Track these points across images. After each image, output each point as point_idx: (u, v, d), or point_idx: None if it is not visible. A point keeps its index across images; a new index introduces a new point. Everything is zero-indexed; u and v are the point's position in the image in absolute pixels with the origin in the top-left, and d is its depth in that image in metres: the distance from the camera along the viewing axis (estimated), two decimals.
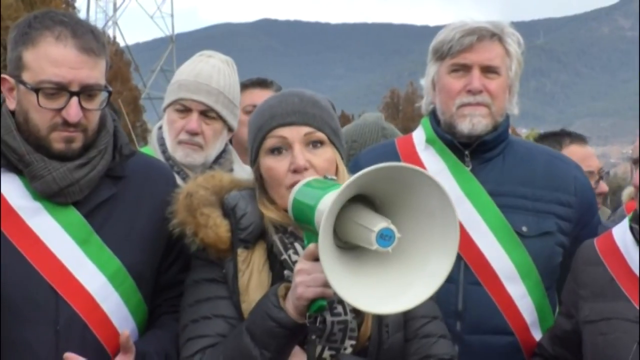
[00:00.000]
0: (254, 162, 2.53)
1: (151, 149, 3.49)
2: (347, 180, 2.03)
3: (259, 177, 2.52)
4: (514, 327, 3.07)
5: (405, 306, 2.13)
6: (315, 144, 2.46)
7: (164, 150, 3.42)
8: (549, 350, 3.03)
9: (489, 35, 3.09)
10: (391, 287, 2.14)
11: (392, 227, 2.05)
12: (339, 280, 2.05)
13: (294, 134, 2.44)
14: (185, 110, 3.37)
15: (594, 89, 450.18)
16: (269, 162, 2.46)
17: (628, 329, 2.73)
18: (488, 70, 3.10)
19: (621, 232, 2.91)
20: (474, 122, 3.08)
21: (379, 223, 2.05)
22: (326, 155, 2.47)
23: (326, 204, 2.09)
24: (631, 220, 2.88)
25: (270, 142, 2.46)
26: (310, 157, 2.43)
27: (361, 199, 2.19)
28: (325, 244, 2.04)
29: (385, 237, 2.04)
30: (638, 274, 2.77)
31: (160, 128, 3.52)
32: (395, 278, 2.15)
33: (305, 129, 2.45)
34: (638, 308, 2.73)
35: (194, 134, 3.34)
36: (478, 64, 3.08)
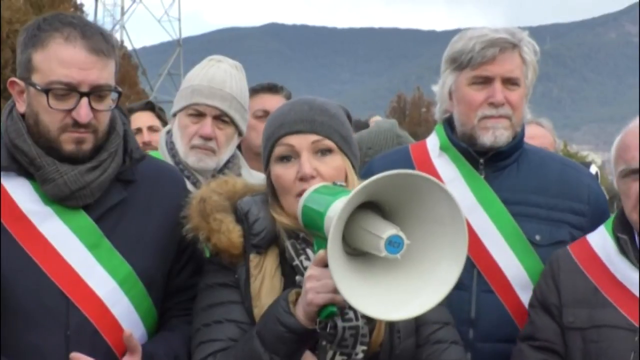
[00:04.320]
0: (266, 168, 2.54)
1: (159, 154, 3.47)
2: (356, 187, 2.03)
3: (271, 183, 2.53)
4: None
5: (413, 313, 2.13)
6: (324, 152, 2.47)
7: (174, 155, 3.41)
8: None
9: (511, 46, 3.07)
10: (400, 294, 2.14)
11: (401, 233, 2.05)
12: (348, 287, 2.05)
13: (302, 142, 2.45)
14: (198, 115, 3.35)
15: (600, 94, 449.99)
16: (277, 170, 2.48)
17: (621, 336, 2.74)
18: (509, 81, 3.09)
19: (600, 241, 2.92)
20: (496, 135, 3.08)
21: (388, 230, 2.05)
22: (334, 164, 2.47)
23: (335, 211, 2.09)
24: (614, 230, 2.88)
25: (279, 150, 2.48)
26: (317, 165, 2.44)
27: (371, 206, 2.18)
28: (334, 250, 2.04)
29: (394, 243, 2.04)
30: (637, 294, 2.76)
31: (168, 132, 3.51)
32: (404, 285, 2.15)
33: (313, 137, 2.46)
34: (636, 322, 2.73)
35: (207, 138, 3.33)
36: (500, 75, 3.07)
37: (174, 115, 3.47)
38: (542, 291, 2.93)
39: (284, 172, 2.46)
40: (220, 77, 3.37)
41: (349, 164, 2.52)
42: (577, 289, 2.85)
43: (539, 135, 4.81)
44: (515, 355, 2.92)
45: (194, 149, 3.34)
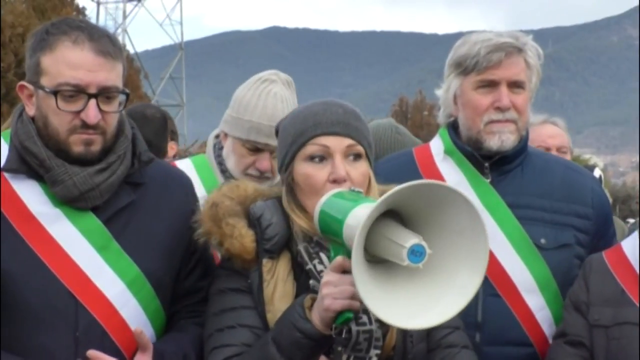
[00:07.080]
0: (287, 165, 2.50)
1: (205, 157, 3.48)
2: (382, 196, 2.02)
3: (291, 182, 2.51)
4: (533, 339, 3.07)
5: (434, 322, 2.13)
6: (355, 156, 2.47)
7: (220, 162, 3.40)
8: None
9: (516, 50, 3.08)
10: (420, 302, 2.14)
11: (423, 243, 2.04)
12: (371, 296, 2.04)
13: (337, 144, 2.44)
14: (256, 149, 3.29)
15: (602, 97, 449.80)
16: (307, 169, 2.45)
17: (637, 333, 2.77)
18: (514, 85, 3.09)
19: (631, 244, 2.95)
20: (503, 139, 3.07)
21: (411, 239, 2.05)
22: (362, 169, 2.47)
23: (358, 219, 2.09)
24: None
25: (311, 148, 2.45)
26: (349, 169, 2.43)
27: (390, 214, 2.18)
28: (357, 260, 2.03)
29: (416, 253, 2.03)
30: None
31: (217, 137, 3.48)
32: (424, 293, 2.14)
33: (348, 141, 2.45)
34: None
35: (264, 171, 3.29)
36: (506, 79, 3.07)
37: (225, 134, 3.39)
38: (574, 292, 2.98)
39: (315, 172, 2.43)
40: (280, 111, 3.22)
41: (371, 171, 2.53)
42: (605, 289, 2.89)
43: (558, 134, 4.80)
44: (550, 351, 2.99)
45: (247, 175, 3.28)
